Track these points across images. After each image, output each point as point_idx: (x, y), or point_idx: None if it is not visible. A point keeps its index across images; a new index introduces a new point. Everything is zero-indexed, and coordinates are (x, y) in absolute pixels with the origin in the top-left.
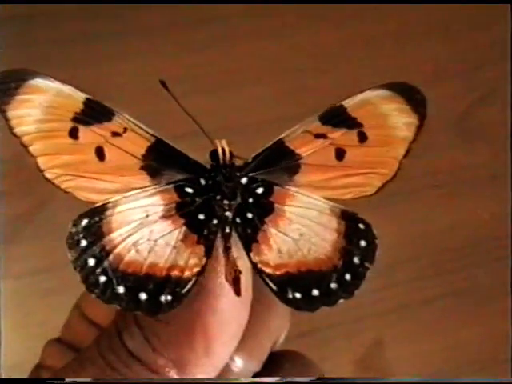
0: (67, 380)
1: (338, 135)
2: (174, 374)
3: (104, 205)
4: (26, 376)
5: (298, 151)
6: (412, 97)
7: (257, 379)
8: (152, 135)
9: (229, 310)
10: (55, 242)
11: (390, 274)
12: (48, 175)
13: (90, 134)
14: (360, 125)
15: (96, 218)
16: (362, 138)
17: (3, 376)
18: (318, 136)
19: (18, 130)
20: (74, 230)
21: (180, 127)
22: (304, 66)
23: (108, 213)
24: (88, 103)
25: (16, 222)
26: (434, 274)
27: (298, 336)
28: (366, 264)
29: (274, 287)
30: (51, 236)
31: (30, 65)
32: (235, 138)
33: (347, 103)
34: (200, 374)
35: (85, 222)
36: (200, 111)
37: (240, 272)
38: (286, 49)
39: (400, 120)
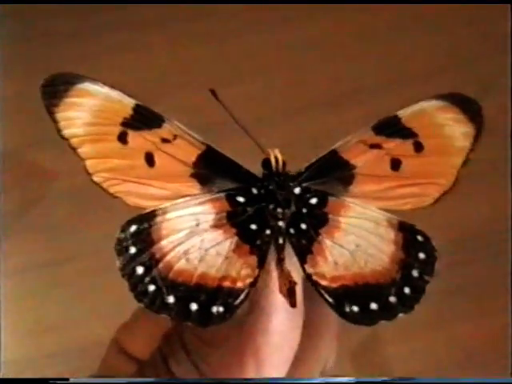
0: (71, 380)
1: (393, 145)
2: None
3: (153, 211)
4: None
5: (352, 161)
6: (468, 107)
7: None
8: (202, 143)
9: (281, 332)
10: (51, 238)
11: None
12: (96, 179)
13: (139, 140)
14: (415, 135)
15: (145, 224)
16: (418, 147)
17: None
18: (373, 146)
19: (66, 132)
20: (122, 235)
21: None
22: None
23: (158, 219)
24: (137, 109)
25: (12, 218)
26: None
27: None
28: (426, 277)
29: (330, 300)
30: (47, 232)
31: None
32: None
33: (402, 114)
34: None
35: (134, 228)
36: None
37: (295, 283)
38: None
39: (456, 130)
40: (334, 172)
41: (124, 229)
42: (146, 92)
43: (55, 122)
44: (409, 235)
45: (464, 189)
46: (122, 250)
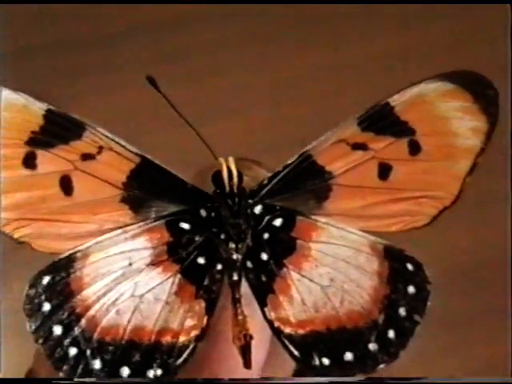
0: (75, 380)
1: (383, 145)
2: None
3: (72, 255)
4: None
5: (329, 168)
6: (481, 92)
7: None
8: (137, 154)
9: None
10: None
11: None
12: None
13: (52, 160)
14: (412, 131)
15: (62, 273)
16: (414, 148)
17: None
18: (357, 146)
19: None
20: (32, 291)
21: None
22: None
23: (77, 265)
24: (49, 116)
25: None
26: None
27: None
28: (416, 317)
29: (295, 352)
30: None
31: None
32: None
33: (395, 101)
34: None
35: (47, 279)
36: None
37: (251, 338)
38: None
39: (465, 124)
40: (305, 183)
41: (34, 283)
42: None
43: None
44: (396, 264)
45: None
46: (32, 308)
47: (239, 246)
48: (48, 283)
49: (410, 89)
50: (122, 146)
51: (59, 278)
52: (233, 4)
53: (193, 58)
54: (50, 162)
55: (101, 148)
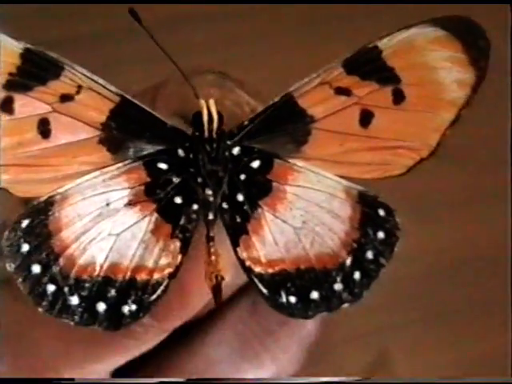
0: (76, 380)
1: (367, 91)
2: None
3: (50, 197)
4: None
5: (310, 111)
6: (474, 42)
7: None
8: (117, 94)
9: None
10: None
11: (392, 289)
12: None
13: (29, 104)
14: (397, 79)
15: (41, 216)
16: (398, 97)
17: None
18: (340, 91)
19: None
20: (11, 234)
21: None
22: None
23: (56, 207)
24: (27, 55)
25: None
26: (434, 291)
27: None
28: (382, 260)
29: (264, 290)
30: None
31: None
32: None
33: (383, 45)
34: None
35: (26, 222)
36: None
37: (222, 278)
38: None
39: (452, 75)
40: (285, 125)
41: (13, 226)
42: None
43: None
44: (369, 209)
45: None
46: (12, 250)
47: (216, 191)
48: (27, 226)
49: (400, 33)
50: (102, 85)
51: (38, 221)
52: (236, 4)
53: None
54: (27, 105)
55: (80, 87)
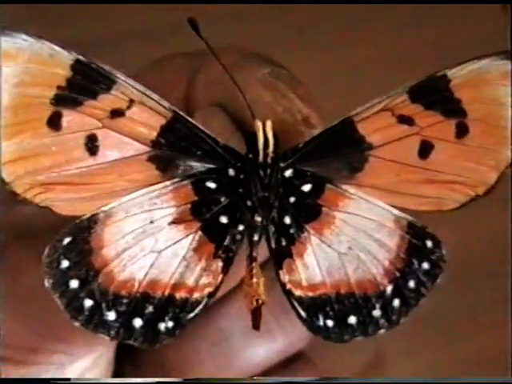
0: (72, 380)
1: (430, 122)
2: None
3: (93, 216)
4: None
5: (369, 138)
6: None
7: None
8: (169, 109)
9: None
10: None
11: None
12: (16, 188)
13: (78, 119)
14: (463, 113)
15: (83, 233)
16: (462, 131)
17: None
18: (402, 120)
19: None
20: (52, 251)
21: None
22: None
23: (99, 225)
24: (78, 67)
25: None
26: (433, 291)
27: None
28: (423, 290)
29: (302, 313)
30: None
31: None
32: None
33: (453, 74)
34: None
35: (67, 240)
36: None
37: (263, 303)
38: None
39: None
40: (341, 151)
41: (54, 243)
42: None
43: None
44: (417, 240)
45: (462, 211)
46: (51, 266)
47: (265, 217)
48: (68, 243)
49: (472, 63)
50: (155, 100)
51: (80, 238)
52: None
53: None
54: (76, 121)
55: (131, 102)
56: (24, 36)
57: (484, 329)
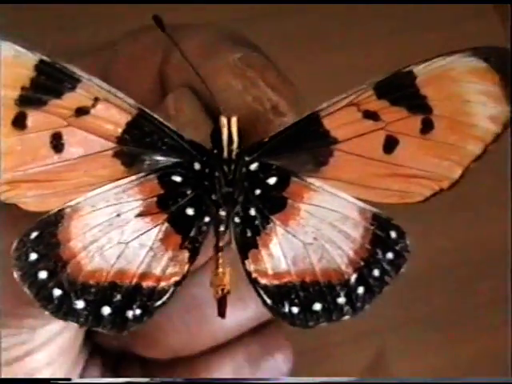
0: (73, 380)
1: (395, 118)
2: None
3: (60, 211)
4: None
5: (334, 133)
6: None
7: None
8: (134, 107)
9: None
10: None
11: (391, 289)
12: None
13: (43, 118)
14: (428, 109)
15: (50, 227)
16: (427, 127)
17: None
18: (368, 115)
19: None
20: (20, 245)
21: None
22: None
23: (66, 219)
24: (42, 67)
25: None
26: (434, 292)
27: (301, 353)
28: (387, 278)
29: (268, 300)
30: None
31: None
32: None
33: (419, 71)
34: None
35: (35, 234)
36: None
37: (228, 292)
38: None
39: (486, 110)
40: (307, 144)
41: (22, 238)
42: None
43: None
44: (381, 231)
45: (462, 212)
46: (20, 259)
47: (230, 211)
48: (36, 237)
49: (438, 60)
50: (120, 98)
51: (47, 232)
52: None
53: None
54: (41, 120)
55: (96, 99)
56: None
57: (484, 329)
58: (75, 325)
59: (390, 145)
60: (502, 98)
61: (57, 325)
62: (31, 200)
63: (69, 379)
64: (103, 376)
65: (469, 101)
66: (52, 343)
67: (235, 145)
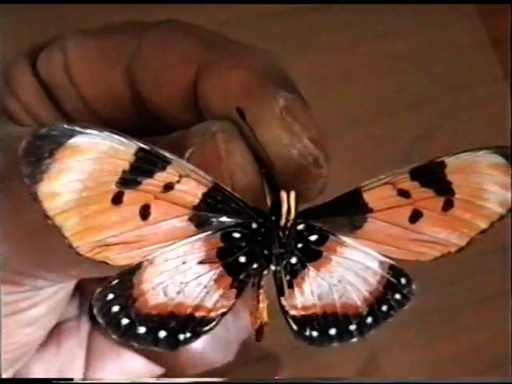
0: (75, 380)
1: (423, 197)
2: None
3: (138, 264)
4: None
5: (371, 204)
6: None
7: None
8: (210, 181)
9: None
10: None
11: None
12: (81, 250)
13: (136, 195)
14: (452, 192)
15: (128, 276)
16: (447, 205)
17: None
18: (401, 193)
19: (51, 212)
20: (102, 288)
21: None
22: None
23: (141, 269)
24: (141, 154)
25: None
26: (434, 284)
27: (293, 348)
28: (392, 312)
29: (294, 327)
30: None
31: None
32: None
33: (449, 161)
34: None
35: (115, 281)
36: None
37: (266, 324)
38: None
39: (497, 196)
40: (347, 212)
41: (105, 285)
42: None
43: (37, 200)
44: (394, 278)
45: None
46: (99, 300)
47: (278, 265)
48: (116, 283)
49: (467, 154)
50: (200, 174)
51: (125, 279)
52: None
53: None
54: (134, 196)
55: (180, 176)
56: (96, 132)
57: (484, 329)
58: (70, 284)
59: (415, 217)
60: (510, 187)
61: (57, 286)
62: (119, 257)
63: (71, 379)
64: None
65: (485, 189)
66: (52, 297)
67: (292, 216)
